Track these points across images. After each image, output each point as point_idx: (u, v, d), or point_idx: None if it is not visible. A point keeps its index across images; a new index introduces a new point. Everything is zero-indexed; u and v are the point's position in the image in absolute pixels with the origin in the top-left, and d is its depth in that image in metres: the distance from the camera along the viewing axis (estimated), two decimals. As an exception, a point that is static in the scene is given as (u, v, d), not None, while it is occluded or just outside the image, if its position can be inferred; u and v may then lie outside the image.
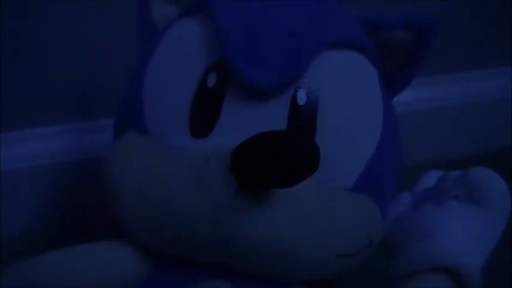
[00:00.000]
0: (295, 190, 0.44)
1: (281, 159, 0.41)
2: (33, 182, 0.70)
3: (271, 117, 0.47)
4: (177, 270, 0.49)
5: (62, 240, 0.51)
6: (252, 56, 0.46)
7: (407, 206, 0.54)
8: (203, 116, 0.47)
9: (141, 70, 0.52)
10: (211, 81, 0.48)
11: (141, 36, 0.56)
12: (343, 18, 0.52)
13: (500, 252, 0.51)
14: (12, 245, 0.66)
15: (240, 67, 0.46)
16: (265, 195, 0.45)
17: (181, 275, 0.49)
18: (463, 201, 0.51)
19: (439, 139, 0.90)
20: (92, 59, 0.70)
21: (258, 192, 0.44)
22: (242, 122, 0.47)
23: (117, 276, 0.49)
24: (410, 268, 0.48)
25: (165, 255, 0.49)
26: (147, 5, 0.55)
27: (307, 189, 0.46)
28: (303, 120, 0.47)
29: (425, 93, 0.86)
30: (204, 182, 0.45)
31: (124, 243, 0.50)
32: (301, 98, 0.47)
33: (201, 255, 0.48)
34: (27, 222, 0.70)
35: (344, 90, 0.49)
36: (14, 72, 0.67)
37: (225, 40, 0.47)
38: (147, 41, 0.54)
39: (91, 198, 0.63)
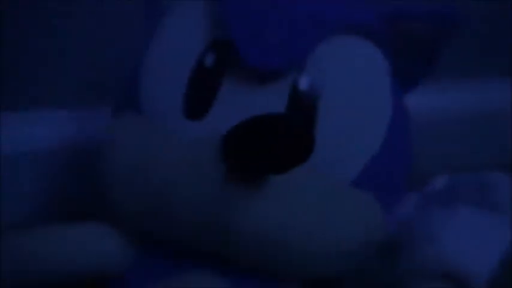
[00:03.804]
0: (291, 179, 0.42)
1: (271, 141, 0.38)
2: (34, 167, 0.68)
3: (270, 101, 0.44)
4: (165, 259, 0.47)
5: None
6: (254, 35, 0.44)
7: (414, 208, 0.51)
8: (198, 97, 0.45)
9: (142, 50, 0.50)
10: (210, 61, 0.45)
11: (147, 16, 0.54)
12: (354, 4, 0.50)
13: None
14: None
15: (240, 46, 0.43)
16: (258, 182, 0.42)
17: (169, 263, 0.46)
18: (474, 205, 0.48)
19: (439, 150, 0.86)
20: (101, 44, 0.68)
21: (249, 178, 0.42)
22: (239, 105, 0.44)
23: (99, 258, 0.47)
24: (412, 271, 0.45)
25: (154, 242, 0.47)
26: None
27: (304, 178, 0.43)
28: (303, 106, 0.44)
29: (427, 102, 0.83)
30: (194, 165, 0.43)
31: (109, 226, 0.48)
32: (303, 83, 0.45)
33: (190, 243, 0.45)
34: (26, 208, 0.68)
35: (350, 79, 0.46)
36: (19, 54, 0.66)
37: (226, 18, 0.45)
38: (151, 20, 0.52)
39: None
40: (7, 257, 0.45)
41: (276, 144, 0.38)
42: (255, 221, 0.42)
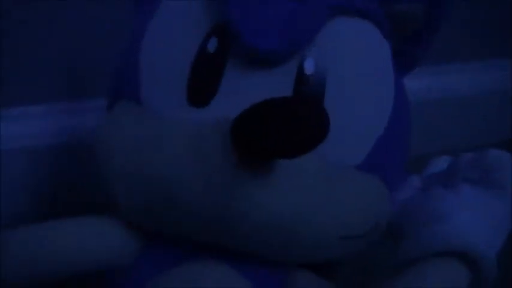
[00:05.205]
0: (299, 164, 0.41)
1: (285, 126, 0.37)
2: (26, 163, 0.67)
3: (276, 86, 0.43)
4: (170, 250, 0.46)
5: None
6: (256, 19, 0.43)
7: (417, 189, 0.51)
8: (202, 83, 0.44)
9: (138, 35, 0.49)
10: (212, 46, 0.44)
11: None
12: None
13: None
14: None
15: (242, 30, 0.42)
16: (267, 168, 0.41)
17: (174, 254, 0.46)
18: (476, 183, 0.48)
19: (436, 131, 0.87)
20: (89, 38, 0.67)
21: (259, 165, 0.41)
22: (244, 90, 0.43)
23: (104, 253, 0.46)
24: (420, 252, 0.45)
25: (158, 233, 0.46)
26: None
27: (312, 164, 0.43)
28: (310, 90, 0.44)
29: (423, 84, 0.83)
30: (202, 152, 0.42)
31: (114, 219, 0.47)
32: (309, 67, 0.44)
33: (196, 233, 0.44)
34: (20, 204, 0.67)
35: (355, 61, 0.46)
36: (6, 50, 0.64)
37: (227, 2, 0.44)
38: (144, 4, 0.51)
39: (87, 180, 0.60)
40: (9, 255, 0.44)
41: (292, 128, 0.38)
42: (268, 209, 0.42)
